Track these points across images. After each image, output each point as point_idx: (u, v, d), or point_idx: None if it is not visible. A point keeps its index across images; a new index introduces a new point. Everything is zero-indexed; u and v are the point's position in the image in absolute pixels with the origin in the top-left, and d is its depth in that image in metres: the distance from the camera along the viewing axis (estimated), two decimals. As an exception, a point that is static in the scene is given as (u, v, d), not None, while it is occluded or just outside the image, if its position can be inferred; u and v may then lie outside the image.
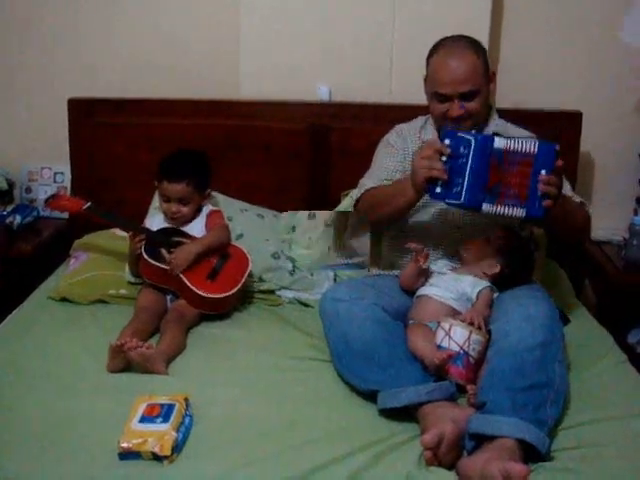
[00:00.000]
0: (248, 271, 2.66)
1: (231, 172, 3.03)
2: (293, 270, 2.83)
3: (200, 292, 2.52)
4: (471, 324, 2.15)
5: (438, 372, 2.10)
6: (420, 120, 2.63)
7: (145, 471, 1.75)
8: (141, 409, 1.89)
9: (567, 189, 2.43)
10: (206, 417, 1.95)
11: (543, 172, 2.13)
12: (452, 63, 2.37)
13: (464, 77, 2.36)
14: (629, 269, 2.96)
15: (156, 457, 1.77)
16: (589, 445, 1.89)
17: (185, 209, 2.68)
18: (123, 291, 2.70)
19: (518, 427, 1.85)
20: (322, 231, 2.95)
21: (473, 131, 2.28)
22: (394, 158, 2.56)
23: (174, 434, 1.81)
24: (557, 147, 2.16)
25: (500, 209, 2.18)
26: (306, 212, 2.97)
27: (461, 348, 2.12)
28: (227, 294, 2.56)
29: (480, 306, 2.25)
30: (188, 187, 2.65)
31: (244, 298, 2.72)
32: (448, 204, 2.26)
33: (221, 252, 2.67)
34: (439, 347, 2.13)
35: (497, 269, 2.34)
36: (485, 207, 2.18)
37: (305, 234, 2.95)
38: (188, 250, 2.58)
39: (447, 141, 2.21)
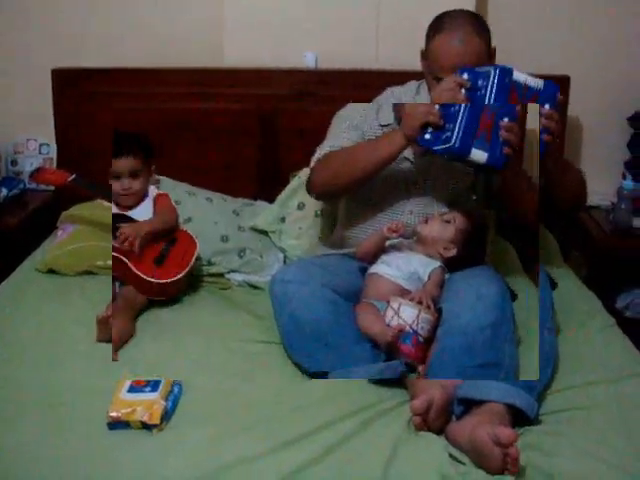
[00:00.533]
0: (195, 255, 2.61)
1: (212, 142, 3.04)
2: (242, 252, 2.79)
3: (147, 277, 2.47)
4: (420, 303, 2.13)
5: (389, 349, 2.08)
6: (413, 84, 2.55)
7: (134, 440, 1.75)
8: (129, 380, 1.90)
9: None
10: (194, 387, 1.95)
11: (547, 106, 2.17)
12: (456, 50, 2.25)
13: (468, 65, 2.24)
14: (617, 233, 2.97)
15: (145, 426, 1.77)
16: (578, 408, 1.91)
17: (136, 183, 2.66)
18: (110, 262, 2.65)
19: (508, 392, 1.86)
20: (312, 221, 2.87)
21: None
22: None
23: (163, 403, 1.81)
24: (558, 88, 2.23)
25: None
26: (295, 202, 2.90)
27: (410, 327, 2.10)
28: (174, 279, 2.50)
29: (430, 286, 2.22)
30: (136, 158, 2.65)
31: (193, 282, 2.67)
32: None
33: (168, 237, 2.63)
34: (388, 326, 2.11)
35: (453, 252, 2.30)
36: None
37: (295, 224, 2.87)
38: (141, 225, 2.57)
39: (465, 75, 2.20)
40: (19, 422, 1.82)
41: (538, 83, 2.20)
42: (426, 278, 2.24)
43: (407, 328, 2.09)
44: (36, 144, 3.33)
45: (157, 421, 1.77)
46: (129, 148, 2.65)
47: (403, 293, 2.21)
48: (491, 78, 2.17)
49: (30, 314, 2.37)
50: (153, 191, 2.75)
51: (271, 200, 2.99)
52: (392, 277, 2.25)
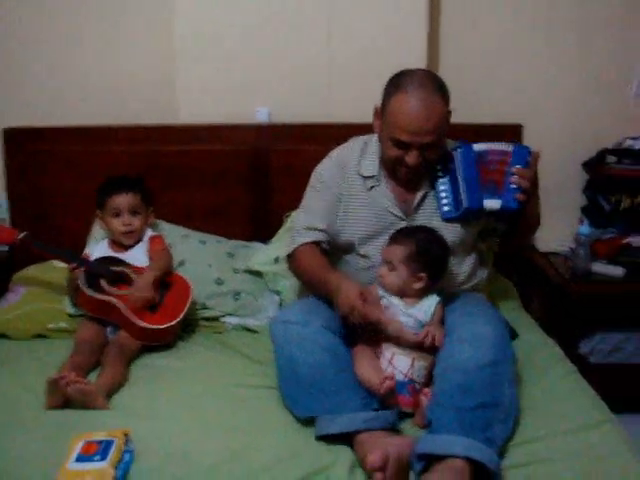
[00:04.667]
0: (190, 300, 2.59)
1: (171, 198, 3.01)
2: (237, 295, 2.77)
3: (141, 323, 2.45)
4: (418, 346, 2.11)
5: (386, 400, 2.05)
6: (357, 144, 2.48)
7: (83, 512, 1.68)
8: (78, 448, 1.82)
9: None
10: (149, 452, 1.89)
11: (518, 166, 2.29)
12: (419, 112, 2.17)
13: (430, 129, 2.19)
14: (576, 279, 2.96)
15: (94, 497, 1.70)
16: (540, 461, 1.88)
17: (136, 220, 2.67)
18: (63, 324, 2.62)
19: (467, 446, 1.83)
20: None
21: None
22: (324, 200, 2.42)
23: (112, 471, 1.75)
24: (530, 148, 2.35)
25: (487, 204, 2.32)
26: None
27: (405, 376, 2.08)
28: (169, 325, 2.49)
29: (434, 325, 2.17)
30: (136, 196, 2.68)
31: (188, 326, 2.65)
32: (456, 216, 2.37)
33: (163, 281, 2.61)
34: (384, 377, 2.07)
35: (424, 278, 2.23)
36: (486, 203, 2.31)
37: None
38: (147, 277, 2.54)
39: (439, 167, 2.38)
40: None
41: (507, 146, 2.34)
42: (430, 317, 2.20)
43: (402, 378, 2.06)
44: (-12, 203, 3.26)
45: (106, 491, 1.70)
46: (128, 185, 2.67)
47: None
48: (456, 158, 2.36)
49: (-23, 381, 2.29)
50: (147, 233, 2.74)
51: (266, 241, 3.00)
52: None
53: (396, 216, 2.38)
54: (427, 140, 2.21)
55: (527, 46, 3.17)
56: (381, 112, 2.31)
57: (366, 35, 2.99)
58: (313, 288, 2.37)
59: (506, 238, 2.57)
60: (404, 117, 2.20)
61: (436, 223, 2.37)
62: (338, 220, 2.41)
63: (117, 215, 2.66)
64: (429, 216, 2.39)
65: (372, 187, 2.40)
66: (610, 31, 3.16)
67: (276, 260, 2.84)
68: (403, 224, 2.37)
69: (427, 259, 2.24)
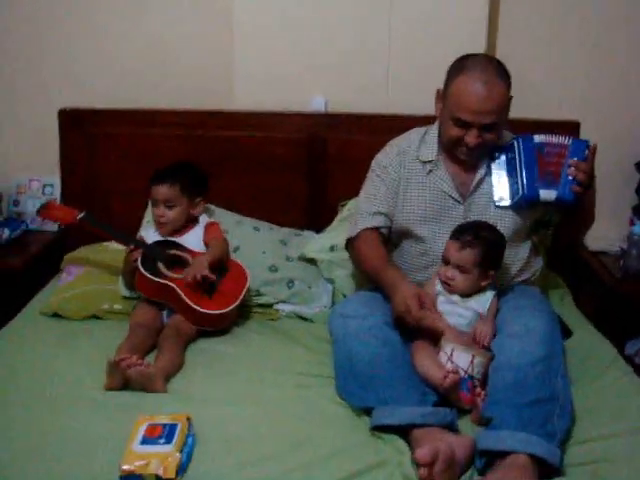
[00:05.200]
0: (247, 287, 2.60)
1: (225, 184, 2.99)
2: (291, 283, 2.77)
3: (198, 308, 2.45)
4: (477, 343, 2.12)
5: (448, 395, 2.05)
6: (416, 135, 2.52)
7: (148, 494, 1.69)
8: (142, 430, 1.83)
9: None
10: (208, 437, 1.89)
11: (575, 159, 2.31)
12: (481, 92, 2.23)
13: (491, 109, 2.25)
14: (628, 279, 2.92)
15: (159, 480, 1.71)
16: (601, 460, 1.87)
17: (170, 213, 2.64)
18: (117, 306, 2.63)
19: (528, 441, 1.84)
20: None
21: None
22: (385, 185, 2.46)
23: (178, 455, 1.75)
24: (589, 142, 2.36)
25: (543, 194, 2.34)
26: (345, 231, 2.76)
27: (465, 372, 2.08)
28: (225, 310, 2.50)
29: (487, 323, 2.19)
30: (172, 188, 2.63)
31: (242, 312, 2.65)
32: (511, 204, 2.39)
33: (219, 267, 2.60)
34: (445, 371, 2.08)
35: (492, 275, 2.27)
36: (542, 193, 2.33)
37: (344, 253, 2.67)
38: (202, 258, 2.54)
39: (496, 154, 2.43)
40: (23, 473, 1.76)
41: (565, 139, 2.37)
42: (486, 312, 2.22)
43: (462, 375, 2.06)
44: (39, 184, 3.27)
45: (172, 474, 1.71)
46: (167, 176, 2.64)
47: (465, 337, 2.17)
48: (516, 147, 2.39)
49: (35, 359, 2.31)
50: (204, 219, 2.74)
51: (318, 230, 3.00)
52: (455, 325, 2.20)
53: (453, 198, 2.41)
54: (488, 120, 2.26)
55: (585, 43, 3.12)
56: (443, 94, 2.36)
57: (425, 26, 2.98)
58: (369, 277, 2.40)
59: (559, 232, 2.58)
60: (466, 97, 2.26)
61: (492, 210, 2.40)
62: (397, 204, 2.45)
63: (155, 204, 2.66)
64: (485, 201, 2.42)
65: (430, 171, 2.43)
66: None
67: (332, 248, 2.83)
68: (460, 208, 2.40)
69: (496, 256, 2.28)
